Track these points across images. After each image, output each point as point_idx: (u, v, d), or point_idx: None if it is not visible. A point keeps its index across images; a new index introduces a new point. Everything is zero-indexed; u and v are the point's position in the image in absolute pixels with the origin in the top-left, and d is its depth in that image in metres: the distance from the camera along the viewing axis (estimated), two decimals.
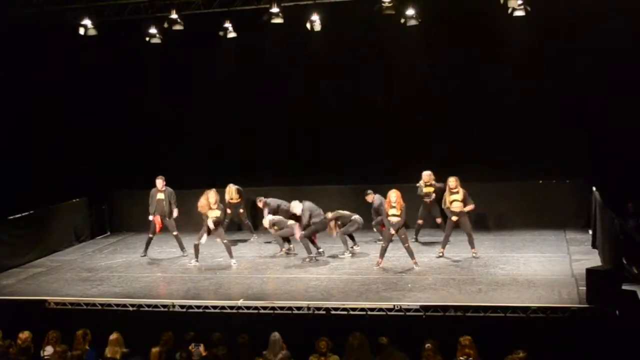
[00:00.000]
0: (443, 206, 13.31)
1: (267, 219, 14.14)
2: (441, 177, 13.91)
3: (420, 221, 14.49)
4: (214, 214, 13.19)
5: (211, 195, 13.23)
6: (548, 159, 15.27)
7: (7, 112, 15.67)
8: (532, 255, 13.26)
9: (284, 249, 14.29)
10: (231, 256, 13.51)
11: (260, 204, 14.95)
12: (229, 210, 14.82)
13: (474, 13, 14.77)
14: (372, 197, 14.35)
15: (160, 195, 14.30)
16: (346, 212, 13.85)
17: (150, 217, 14.33)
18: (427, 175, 14.18)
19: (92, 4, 14.87)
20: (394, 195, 12.42)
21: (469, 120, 15.68)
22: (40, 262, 14.77)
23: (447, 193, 13.14)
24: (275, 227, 13.91)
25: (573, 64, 14.82)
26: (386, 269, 12.69)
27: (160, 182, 14.31)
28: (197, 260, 13.51)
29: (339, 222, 13.77)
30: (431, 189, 14.23)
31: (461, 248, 13.79)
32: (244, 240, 15.68)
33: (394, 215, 12.43)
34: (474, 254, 13.13)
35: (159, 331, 9.68)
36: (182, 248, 14.43)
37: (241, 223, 16.00)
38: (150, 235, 14.46)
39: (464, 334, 8.84)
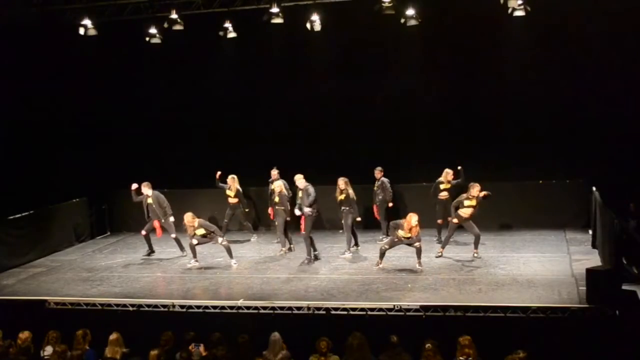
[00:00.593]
0: (454, 205, 13.20)
1: (281, 182, 14.30)
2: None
3: (440, 221, 14.41)
4: (200, 232, 13.24)
5: (188, 218, 13.20)
6: (548, 159, 15.26)
7: (7, 112, 15.65)
8: (532, 255, 13.26)
9: (284, 249, 14.29)
10: (231, 256, 13.51)
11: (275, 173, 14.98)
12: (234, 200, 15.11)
13: (474, 13, 14.76)
14: (381, 175, 14.38)
15: (149, 200, 14.34)
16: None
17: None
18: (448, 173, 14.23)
19: (92, 4, 14.88)
20: (414, 220, 12.27)
21: (469, 120, 15.67)
22: (40, 262, 14.78)
23: (464, 196, 13.05)
24: (278, 199, 14.09)
25: (573, 63, 14.81)
26: (386, 269, 12.69)
27: (145, 188, 14.33)
28: (196, 260, 13.51)
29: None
30: (449, 186, 14.27)
31: (461, 248, 13.81)
32: (244, 241, 15.65)
33: (404, 235, 12.44)
34: (475, 254, 13.13)
35: (159, 331, 9.69)
36: (181, 248, 14.44)
37: (240, 224, 15.98)
38: (144, 233, 14.47)
39: (464, 334, 8.84)
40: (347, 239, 13.83)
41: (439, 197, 14.33)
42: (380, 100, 16.19)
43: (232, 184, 15.21)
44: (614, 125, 14.43)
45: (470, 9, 14.71)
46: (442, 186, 14.29)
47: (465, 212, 12.99)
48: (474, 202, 12.95)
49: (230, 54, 16.40)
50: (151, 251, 14.70)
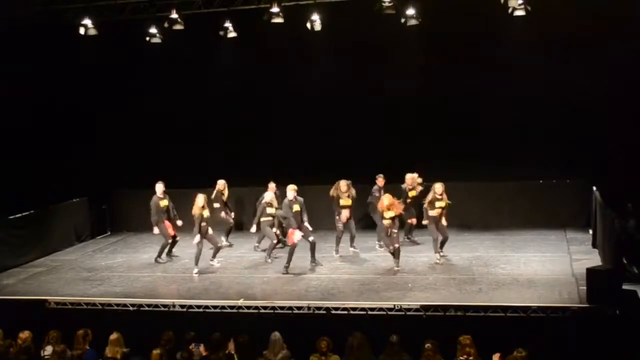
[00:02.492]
0: (425, 206, 13.16)
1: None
2: (441, 178, 13.70)
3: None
4: (206, 213, 13.27)
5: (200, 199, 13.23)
6: (548, 159, 15.25)
7: (7, 112, 15.65)
8: (533, 255, 13.26)
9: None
10: (196, 263, 13.21)
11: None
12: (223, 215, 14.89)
13: (474, 13, 14.76)
14: (383, 182, 14.27)
15: (164, 202, 14.08)
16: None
17: (156, 230, 14.05)
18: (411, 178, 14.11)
19: (92, 4, 14.89)
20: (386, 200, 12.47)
21: (469, 120, 15.66)
22: (40, 262, 14.80)
23: (432, 197, 13.02)
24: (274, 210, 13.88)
25: (573, 63, 14.80)
26: (386, 269, 12.69)
27: (160, 188, 14.11)
28: (216, 261, 13.57)
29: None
30: (414, 193, 14.16)
31: (461, 248, 13.82)
32: (243, 241, 15.60)
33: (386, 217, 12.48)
34: (440, 256, 13.01)
35: (159, 331, 9.68)
36: (159, 255, 14.18)
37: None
38: (169, 240, 14.12)
39: (463, 333, 8.84)
40: (338, 240, 13.85)
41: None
42: (380, 100, 16.18)
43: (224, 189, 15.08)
44: (614, 125, 14.43)
45: (470, 9, 14.70)
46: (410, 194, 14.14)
47: (437, 213, 12.96)
48: (442, 204, 12.93)
49: (230, 54, 16.40)
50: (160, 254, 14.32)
